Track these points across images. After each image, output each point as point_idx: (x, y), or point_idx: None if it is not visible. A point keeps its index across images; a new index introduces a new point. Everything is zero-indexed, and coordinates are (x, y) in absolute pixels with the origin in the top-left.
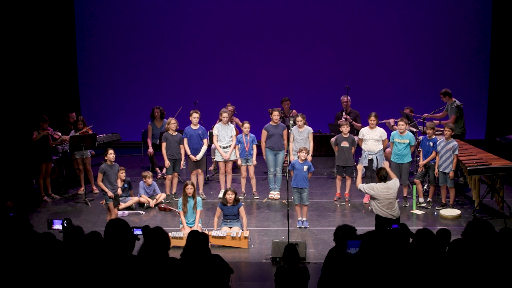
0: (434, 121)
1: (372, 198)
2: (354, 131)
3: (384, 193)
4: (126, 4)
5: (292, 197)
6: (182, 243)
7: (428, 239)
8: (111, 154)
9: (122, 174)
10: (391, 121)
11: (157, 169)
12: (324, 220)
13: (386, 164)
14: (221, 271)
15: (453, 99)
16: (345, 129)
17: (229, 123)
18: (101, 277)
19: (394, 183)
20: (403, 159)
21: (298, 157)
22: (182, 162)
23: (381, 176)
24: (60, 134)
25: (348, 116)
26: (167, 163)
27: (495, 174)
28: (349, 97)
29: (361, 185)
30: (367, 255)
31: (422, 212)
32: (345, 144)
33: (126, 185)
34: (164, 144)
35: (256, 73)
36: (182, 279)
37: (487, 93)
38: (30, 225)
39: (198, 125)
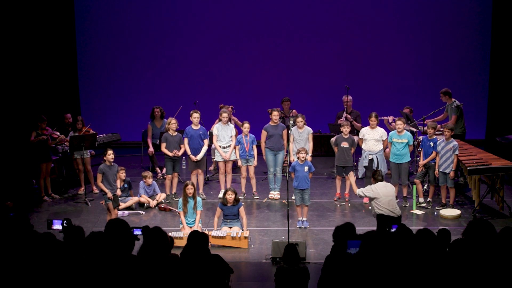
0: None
1: (372, 199)
2: (354, 131)
3: (383, 191)
4: (126, 5)
5: (293, 198)
6: (182, 243)
7: (429, 239)
8: (110, 155)
9: (122, 174)
10: (390, 118)
11: (157, 169)
12: (324, 220)
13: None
14: (221, 271)
15: (453, 100)
16: (346, 129)
17: (229, 123)
18: (101, 277)
19: (389, 183)
20: (402, 159)
21: (298, 158)
22: (181, 151)
23: (377, 177)
24: (58, 133)
25: (349, 116)
26: (175, 152)
27: (495, 174)
28: (350, 97)
29: (359, 190)
30: (367, 255)
31: (422, 212)
32: (345, 144)
33: (126, 185)
34: (163, 145)
35: (256, 73)
36: (182, 279)
37: (487, 93)
38: (30, 225)
39: (199, 125)
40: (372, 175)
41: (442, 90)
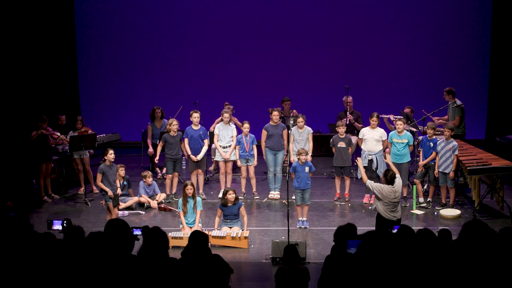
0: (440, 120)
1: (378, 199)
2: (354, 131)
3: (390, 196)
4: (126, 4)
5: (294, 198)
6: (182, 243)
7: (429, 239)
8: (111, 154)
9: (122, 172)
10: (391, 116)
11: (157, 169)
12: (324, 220)
13: (388, 158)
14: (221, 271)
15: (455, 99)
16: (341, 129)
17: (230, 123)
18: (101, 277)
19: (399, 185)
20: (402, 159)
21: (298, 159)
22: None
23: (389, 178)
24: (59, 134)
25: (351, 116)
26: (150, 151)
27: (495, 174)
28: (351, 98)
29: (369, 182)
30: (367, 255)
31: (422, 212)
32: (341, 144)
33: (125, 182)
34: (161, 144)
35: (256, 73)
36: (182, 279)
37: (487, 93)
38: (30, 225)
39: (199, 125)
40: (384, 175)
41: (446, 89)
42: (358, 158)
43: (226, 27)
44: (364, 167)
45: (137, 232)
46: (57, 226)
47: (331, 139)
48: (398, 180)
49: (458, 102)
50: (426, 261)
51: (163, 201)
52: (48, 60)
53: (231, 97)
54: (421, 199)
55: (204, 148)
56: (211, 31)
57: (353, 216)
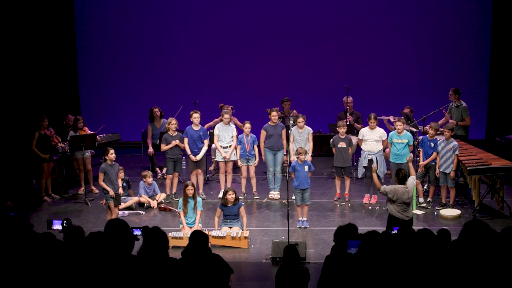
0: (451, 121)
1: (391, 201)
2: (355, 131)
3: (404, 196)
4: (126, 5)
5: (294, 198)
6: (182, 243)
7: (429, 239)
8: (112, 154)
9: (121, 174)
10: (391, 118)
11: (157, 169)
12: (324, 220)
13: (410, 157)
14: (221, 271)
15: (459, 100)
16: (342, 130)
17: (230, 123)
18: (101, 277)
19: (411, 185)
20: (402, 159)
21: (298, 158)
22: (178, 142)
23: (401, 176)
24: (60, 138)
25: (351, 117)
26: (173, 143)
27: (495, 174)
28: (351, 98)
29: (383, 188)
30: (367, 255)
31: (422, 212)
32: (342, 144)
33: (125, 184)
34: (163, 145)
35: (256, 73)
36: (182, 279)
37: (487, 93)
38: (30, 225)
39: (199, 125)
40: (396, 174)
41: (453, 88)
42: (373, 166)
43: (226, 27)
44: (364, 167)
45: (137, 232)
46: (57, 226)
47: (332, 139)
48: (412, 180)
49: (457, 102)
50: (426, 261)
51: (163, 201)
52: (48, 60)
53: (231, 97)
54: (421, 199)
55: (204, 148)
56: (211, 31)
57: (353, 216)
